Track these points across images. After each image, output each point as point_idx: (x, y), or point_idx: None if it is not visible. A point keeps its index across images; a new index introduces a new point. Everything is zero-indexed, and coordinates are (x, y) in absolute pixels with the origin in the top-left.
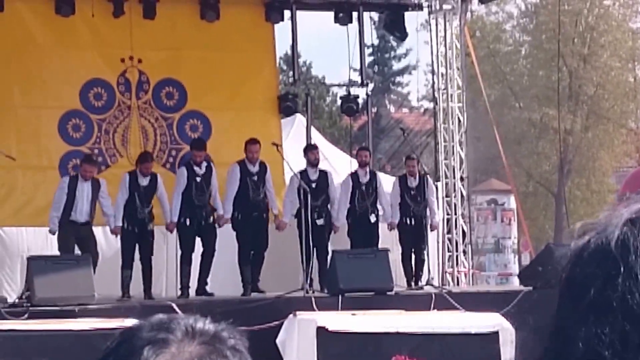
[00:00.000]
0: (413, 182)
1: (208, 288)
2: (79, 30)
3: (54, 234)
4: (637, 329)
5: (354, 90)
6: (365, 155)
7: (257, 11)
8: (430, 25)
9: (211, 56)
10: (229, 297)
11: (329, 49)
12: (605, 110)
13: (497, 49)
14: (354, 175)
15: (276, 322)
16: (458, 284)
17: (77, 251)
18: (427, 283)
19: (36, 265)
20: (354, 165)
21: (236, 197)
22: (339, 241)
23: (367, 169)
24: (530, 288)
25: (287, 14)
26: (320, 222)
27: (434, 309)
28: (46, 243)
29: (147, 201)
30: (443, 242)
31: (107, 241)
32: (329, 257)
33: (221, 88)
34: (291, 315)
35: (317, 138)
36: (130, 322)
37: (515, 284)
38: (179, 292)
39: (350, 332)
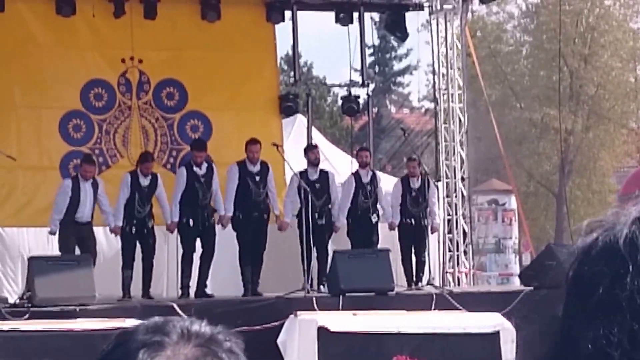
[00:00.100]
0: (415, 184)
1: (208, 289)
2: (80, 31)
3: (54, 235)
4: None
5: (354, 91)
6: (366, 156)
7: (258, 11)
8: (431, 25)
9: (212, 56)
10: (230, 297)
11: (330, 49)
12: (606, 110)
13: (498, 49)
14: (357, 176)
15: (277, 323)
16: (459, 284)
17: (77, 251)
18: (428, 283)
19: (37, 265)
20: (354, 165)
21: (236, 197)
22: (340, 241)
23: (369, 169)
24: (531, 288)
25: (287, 14)
26: (321, 222)
27: (435, 309)
28: (47, 243)
29: (148, 201)
30: (444, 242)
31: (107, 241)
32: (329, 258)
33: (222, 88)
34: (292, 316)
35: (317, 138)
36: (131, 322)
37: (516, 284)
38: (180, 292)
39: (351, 332)
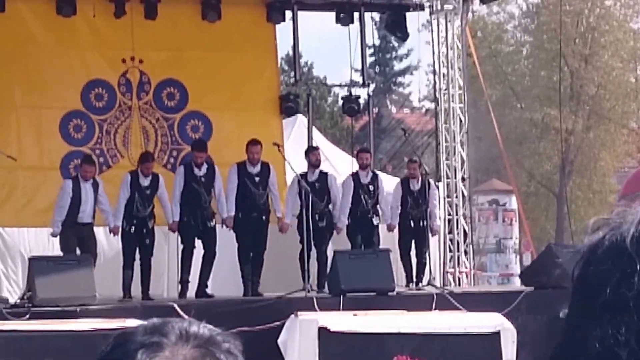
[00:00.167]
0: (415, 185)
1: (208, 290)
2: (80, 31)
3: (55, 237)
4: None
5: (355, 91)
6: (366, 158)
7: (259, 11)
8: (431, 25)
9: (212, 56)
10: (230, 297)
11: (330, 49)
12: (606, 110)
13: (498, 49)
14: (355, 177)
15: (278, 323)
16: (459, 284)
17: (78, 252)
18: (429, 283)
19: (37, 265)
20: (355, 165)
21: (236, 197)
22: (340, 242)
23: (369, 170)
24: (532, 288)
25: (288, 14)
26: (322, 224)
27: (435, 309)
28: (47, 243)
29: (149, 201)
30: (444, 242)
31: (108, 241)
32: (328, 259)
33: (222, 88)
34: (293, 316)
35: (318, 138)
36: (131, 322)
37: (516, 284)
38: (179, 287)
39: (352, 332)
